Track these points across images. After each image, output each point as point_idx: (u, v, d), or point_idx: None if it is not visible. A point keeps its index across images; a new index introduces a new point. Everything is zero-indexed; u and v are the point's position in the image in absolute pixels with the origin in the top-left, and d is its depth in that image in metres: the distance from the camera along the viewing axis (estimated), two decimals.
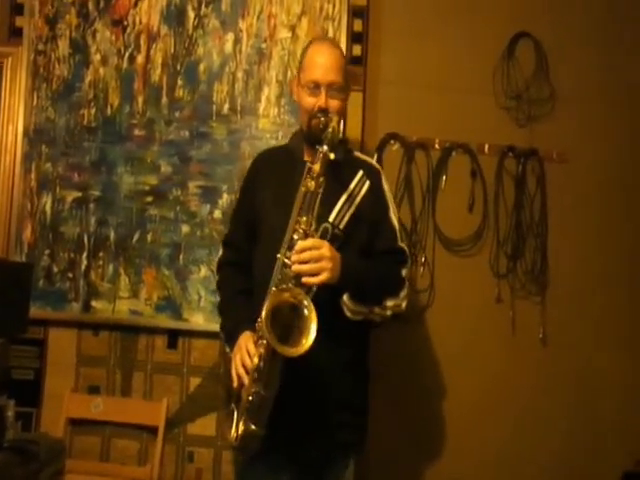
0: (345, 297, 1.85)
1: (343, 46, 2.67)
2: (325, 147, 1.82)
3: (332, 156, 1.82)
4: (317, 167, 1.81)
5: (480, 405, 2.66)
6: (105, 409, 2.65)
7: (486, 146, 2.74)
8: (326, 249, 1.78)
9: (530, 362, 2.69)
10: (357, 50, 2.76)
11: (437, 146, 2.74)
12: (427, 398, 2.67)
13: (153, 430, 2.63)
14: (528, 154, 2.73)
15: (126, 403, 2.68)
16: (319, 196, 1.81)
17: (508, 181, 2.74)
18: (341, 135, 1.92)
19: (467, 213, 2.74)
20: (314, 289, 1.78)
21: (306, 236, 1.79)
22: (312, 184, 1.80)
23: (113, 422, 2.66)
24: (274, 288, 1.78)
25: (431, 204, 2.73)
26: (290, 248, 1.79)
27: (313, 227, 1.81)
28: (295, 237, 1.79)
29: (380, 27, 2.76)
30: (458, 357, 2.66)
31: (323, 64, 1.98)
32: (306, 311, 1.72)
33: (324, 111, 1.93)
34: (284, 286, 1.76)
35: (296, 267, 1.75)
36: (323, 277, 1.76)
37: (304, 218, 1.79)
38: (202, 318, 2.65)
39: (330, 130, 1.86)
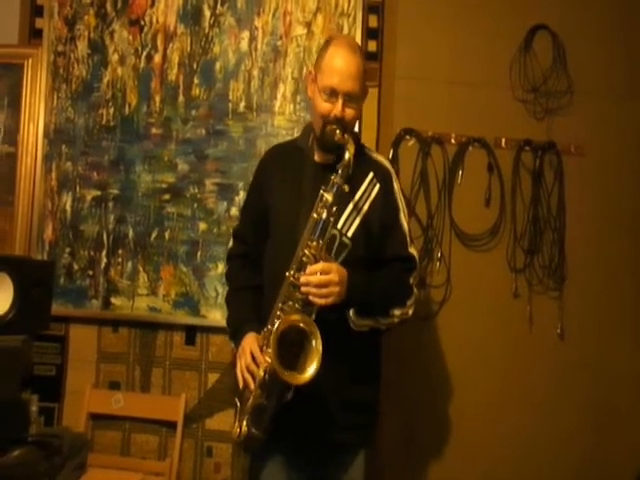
0: (351, 312, 1.87)
1: (358, 42, 2.66)
2: (339, 178, 1.81)
3: (346, 188, 1.81)
4: (330, 197, 1.80)
5: (497, 400, 2.65)
6: (125, 404, 2.70)
7: (503, 140, 2.72)
8: (334, 274, 1.79)
9: (548, 357, 2.67)
10: (372, 46, 2.76)
11: (453, 141, 2.73)
12: (443, 393, 2.66)
13: (172, 425, 2.67)
14: (545, 148, 2.71)
15: (145, 398, 2.73)
16: (331, 224, 1.81)
17: (525, 175, 2.72)
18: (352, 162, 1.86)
19: (484, 208, 2.72)
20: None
21: (316, 260, 1.80)
22: (324, 213, 1.80)
23: (133, 417, 2.71)
24: (280, 304, 1.82)
25: (447, 199, 2.72)
26: (299, 269, 1.80)
27: (324, 252, 1.81)
28: (304, 260, 1.80)
29: (395, 22, 2.75)
30: (475, 353, 2.66)
31: (342, 71, 1.90)
32: (314, 342, 1.74)
33: (340, 121, 1.89)
34: (290, 303, 1.80)
35: (305, 289, 1.79)
36: (330, 300, 1.79)
37: (314, 243, 1.80)
38: (219, 314, 2.67)
39: (345, 162, 1.82)
